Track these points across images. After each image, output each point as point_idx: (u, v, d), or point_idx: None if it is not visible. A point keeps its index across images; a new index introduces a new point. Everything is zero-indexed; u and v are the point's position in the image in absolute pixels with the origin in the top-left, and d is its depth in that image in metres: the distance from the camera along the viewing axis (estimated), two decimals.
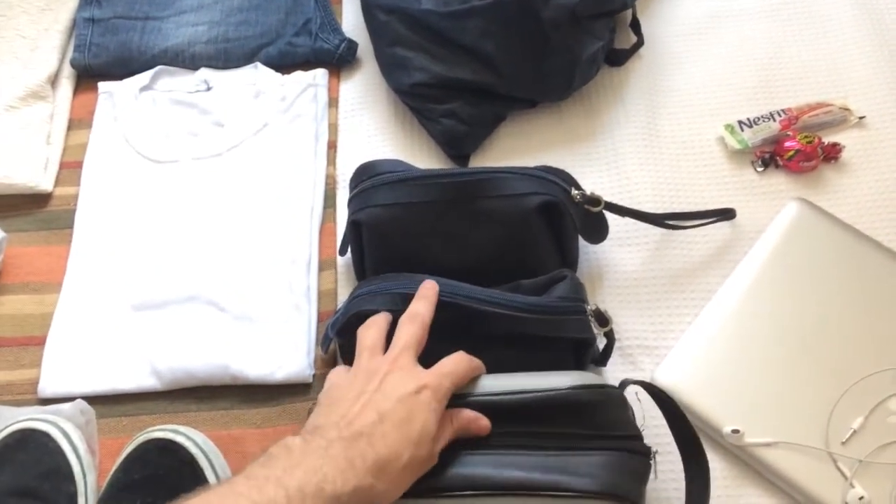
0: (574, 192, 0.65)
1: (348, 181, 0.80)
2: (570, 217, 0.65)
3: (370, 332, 0.60)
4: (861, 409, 0.64)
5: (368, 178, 0.67)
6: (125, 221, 0.78)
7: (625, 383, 0.60)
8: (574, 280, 0.64)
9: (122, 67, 0.86)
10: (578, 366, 0.64)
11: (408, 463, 0.51)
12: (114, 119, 0.83)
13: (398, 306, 0.61)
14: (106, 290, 0.75)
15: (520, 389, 0.57)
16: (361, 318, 0.62)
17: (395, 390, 0.54)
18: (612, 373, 0.68)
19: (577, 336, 0.62)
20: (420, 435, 0.52)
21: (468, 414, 0.56)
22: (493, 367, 0.60)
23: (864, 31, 0.85)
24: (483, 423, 0.56)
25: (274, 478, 0.47)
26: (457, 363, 0.57)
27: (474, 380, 0.59)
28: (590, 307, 0.63)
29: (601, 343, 0.65)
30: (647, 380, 0.66)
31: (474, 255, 0.65)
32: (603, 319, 0.63)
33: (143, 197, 0.79)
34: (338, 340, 0.67)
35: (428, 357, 0.58)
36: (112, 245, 0.77)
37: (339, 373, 0.60)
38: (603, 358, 0.66)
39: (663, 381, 0.66)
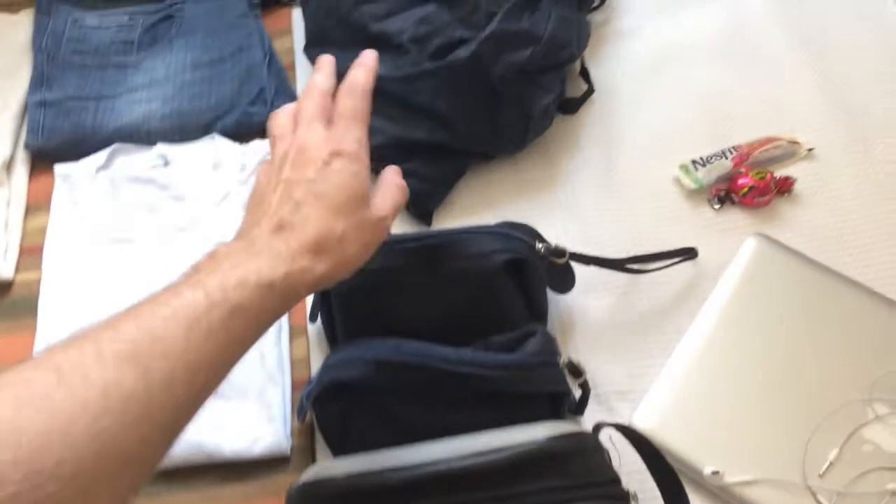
0: (538, 245, 0.66)
1: None
2: (536, 271, 0.65)
3: (277, 117, 0.55)
4: (836, 440, 0.64)
5: None
6: (91, 305, 0.77)
7: (598, 427, 0.60)
8: (545, 334, 0.65)
9: (78, 148, 0.86)
10: (555, 418, 0.64)
11: (344, 233, 0.48)
12: (72, 201, 0.82)
13: (372, 372, 0.61)
14: None
15: (496, 447, 0.56)
16: (337, 387, 0.62)
17: (306, 169, 0.50)
18: (590, 422, 0.67)
19: (551, 390, 0.63)
20: (345, 201, 0.49)
21: (388, 174, 0.54)
22: (469, 426, 0.59)
23: (803, 65, 0.88)
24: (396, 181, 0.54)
25: (193, 281, 0.44)
26: (349, 105, 0.53)
27: (449, 441, 0.58)
28: (562, 360, 0.63)
29: (577, 394, 0.65)
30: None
31: (444, 315, 0.65)
32: (576, 371, 0.63)
33: (107, 278, 0.78)
34: (313, 411, 0.66)
35: (396, 422, 0.58)
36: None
37: (262, 169, 0.55)
38: (579, 408, 0.66)
39: (640, 425, 0.67)
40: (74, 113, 0.87)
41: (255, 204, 0.52)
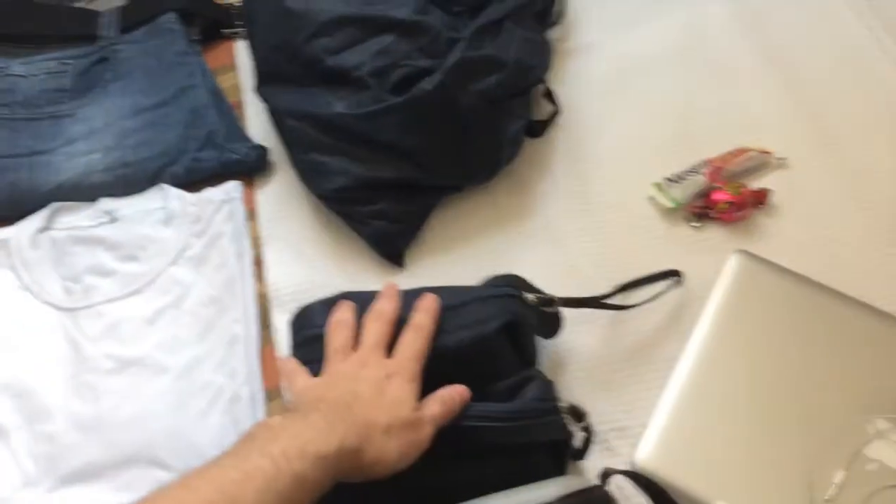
0: (528, 296, 0.63)
1: (281, 296, 0.77)
2: (528, 325, 0.63)
3: (339, 334, 0.60)
4: (840, 461, 0.63)
5: (310, 327, 0.63)
6: (40, 381, 0.70)
7: (606, 474, 0.58)
8: (543, 379, 0.62)
9: (14, 210, 0.79)
10: (558, 466, 0.62)
11: (389, 426, 0.52)
12: (11, 269, 0.76)
13: None
14: (30, 462, 0.67)
15: None
16: None
17: (367, 378, 0.55)
18: (590, 462, 0.66)
19: (554, 438, 0.60)
20: (393, 401, 0.54)
21: (446, 389, 0.57)
22: (470, 483, 0.57)
23: (765, 73, 0.87)
24: (461, 389, 0.58)
25: (257, 448, 0.46)
26: (413, 342, 0.58)
27: None
28: (563, 405, 0.61)
29: (579, 436, 0.63)
30: (626, 464, 0.65)
31: (438, 379, 0.62)
32: (578, 414, 0.61)
33: (56, 350, 0.72)
34: None
35: (394, 485, 0.54)
36: (29, 409, 0.69)
37: (304, 379, 0.59)
38: (581, 452, 0.63)
39: (643, 463, 0.64)
40: (8, 171, 0.80)
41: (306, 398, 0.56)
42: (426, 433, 0.54)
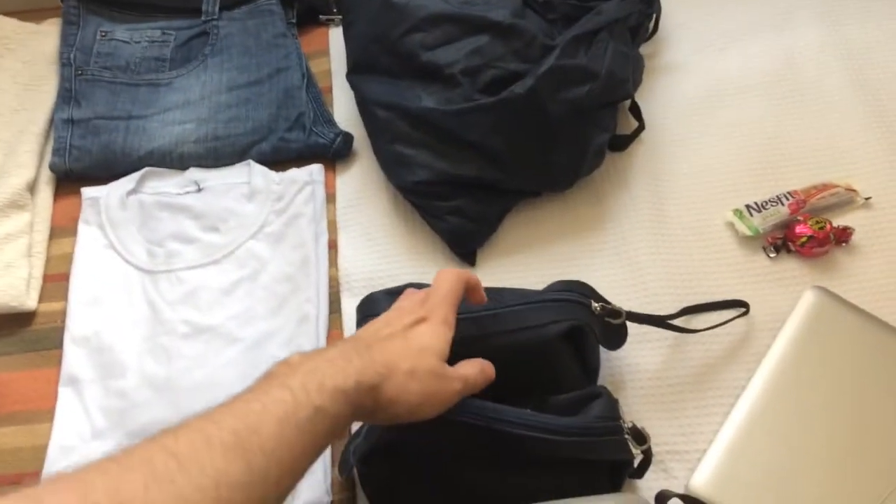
0: (595, 305, 0.63)
1: (351, 282, 0.78)
2: (592, 334, 0.63)
3: (401, 300, 0.60)
4: None
5: (374, 314, 0.64)
6: (117, 338, 0.73)
7: (663, 497, 0.58)
8: (609, 397, 0.62)
9: (106, 170, 0.82)
10: (615, 483, 0.62)
11: (412, 370, 0.51)
12: (99, 227, 0.79)
13: (429, 432, 0.58)
14: (100, 416, 0.70)
15: None
16: (389, 448, 0.59)
17: (398, 319, 0.56)
18: (644, 481, 0.66)
19: (615, 458, 0.60)
20: (420, 349, 0.53)
21: (483, 360, 0.57)
22: (527, 489, 0.57)
23: (860, 109, 0.85)
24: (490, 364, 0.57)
25: (276, 383, 0.47)
26: (449, 283, 0.58)
27: None
28: (626, 425, 0.61)
29: (638, 459, 0.63)
30: (681, 487, 0.65)
31: (497, 381, 0.62)
32: (640, 437, 0.61)
33: (135, 310, 0.75)
34: (359, 468, 0.63)
35: (450, 488, 0.56)
36: (105, 364, 0.72)
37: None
38: (639, 472, 0.63)
39: (698, 489, 0.64)
40: (104, 133, 0.83)
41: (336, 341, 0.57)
42: (454, 388, 0.54)
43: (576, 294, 0.64)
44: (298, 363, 0.49)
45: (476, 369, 0.56)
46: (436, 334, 0.55)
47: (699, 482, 0.65)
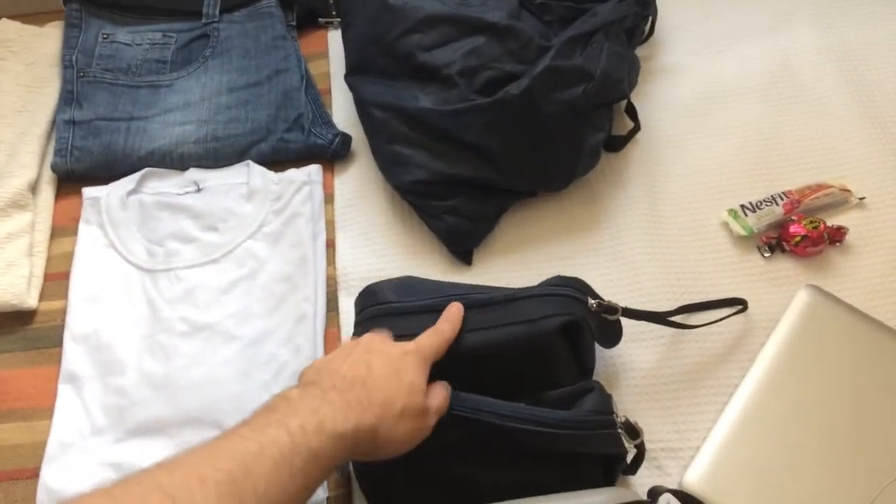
0: (591, 301, 0.64)
1: (349, 281, 0.79)
2: (588, 330, 0.63)
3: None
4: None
5: (373, 305, 0.65)
6: (117, 336, 0.74)
7: (655, 492, 0.58)
8: (602, 392, 0.62)
9: (107, 171, 0.83)
10: (608, 478, 0.62)
11: (403, 410, 0.52)
12: (100, 226, 0.80)
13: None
14: (100, 413, 0.71)
15: None
16: None
17: (380, 349, 0.56)
18: (638, 478, 0.66)
19: (608, 452, 0.60)
20: (410, 386, 0.54)
21: (443, 384, 0.58)
22: (520, 484, 0.58)
23: (855, 110, 0.86)
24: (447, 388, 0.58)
25: (275, 421, 0.47)
26: (429, 336, 0.59)
27: None
28: (619, 420, 0.61)
29: (631, 453, 0.63)
30: (675, 484, 0.65)
31: (491, 371, 0.63)
32: (633, 432, 0.61)
33: (134, 309, 0.75)
34: (355, 463, 0.64)
35: (444, 482, 0.56)
36: (104, 362, 0.73)
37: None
38: (632, 468, 0.64)
39: (692, 486, 0.65)
40: (105, 133, 0.84)
41: (321, 366, 0.56)
42: (430, 424, 0.55)
43: (572, 290, 0.65)
44: (298, 401, 0.49)
45: (442, 396, 0.57)
46: (421, 370, 0.56)
47: (693, 479, 0.65)
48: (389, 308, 0.63)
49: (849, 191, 0.80)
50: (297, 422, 0.46)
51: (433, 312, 0.62)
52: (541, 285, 0.65)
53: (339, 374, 0.53)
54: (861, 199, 0.80)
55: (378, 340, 0.58)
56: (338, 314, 0.77)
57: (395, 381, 0.54)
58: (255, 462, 0.43)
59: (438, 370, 0.61)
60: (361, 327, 0.65)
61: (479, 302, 0.62)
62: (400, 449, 0.54)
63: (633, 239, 0.80)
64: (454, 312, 0.62)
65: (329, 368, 0.55)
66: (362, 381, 0.53)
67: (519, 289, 0.64)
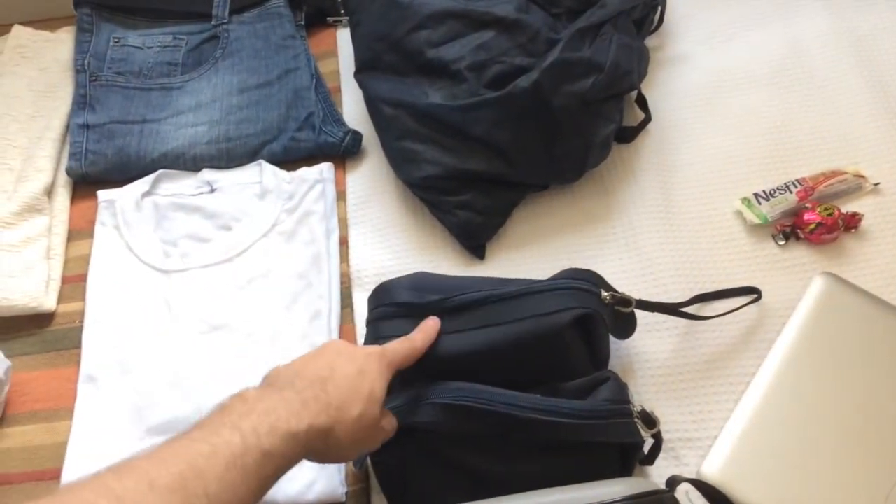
0: (604, 294, 0.64)
1: (362, 278, 0.79)
2: (602, 322, 0.63)
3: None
4: None
5: (387, 304, 0.65)
6: (135, 337, 0.75)
7: (674, 482, 0.58)
8: (618, 381, 0.63)
9: (121, 174, 0.84)
10: (625, 469, 0.62)
11: (360, 416, 0.52)
12: (115, 228, 0.81)
13: (440, 417, 0.59)
14: (119, 413, 0.71)
15: None
16: (401, 436, 0.59)
17: (346, 351, 0.56)
18: (656, 468, 0.66)
19: (624, 441, 0.60)
20: (370, 393, 0.53)
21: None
22: (537, 475, 0.58)
23: (867, 95, 0.85)
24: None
25: (229, 423, 0.46)
26: (398, 343, 0.59)
27: (521, 498, 0.56)
28: (636, 409, 0.61)
29: (648, 443, 0.63)
30: (693, 474, 0.65)
31: (506, 368, 0.63)
32: (650, 421, 0.61)
33: (152, 309, 0.76)
34: (373, 457, 0.64)
35: (460, 472, 0.57)
36: (123, 363, 0.74)
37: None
38: (650, 458, 0.64)
39: (710, 475, 0.64)
40: (118, 136, 0.84)
41: (284, 368, 0.55)
42: (379, 438, 0.56)
43: (585, 282, 0.65)
44: (254, 401, 0.49)
45: (394, 425, 0.58)
46: (382, 377, 0.55)
47: (710, 468, 0.65)
48: (408, 309, 0.64)
49: (863, 177, 0.80)
50: (250, 423, 0.46)
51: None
52: (553, 278, 0.65)
53: (300, 375, 0.53)
54: (875, 184, 0.79)
55: (344, 344, 0.58)
56: (352, 311, 0.77)
57: (355, 384, 0.53)
58: (207, 464, 0.43)
59: (454, 366, 0.61)
60: (372, 326, 0.66)
61: (492, 298, 0.62)
62: (345, 457, 0.54)
63: (646, 230, 0.79)
64: (430, 325, 0.62)
65: (292, 370, 0.55)
66: (322, 381, 0.52)
67: (532, 282, 0.64)
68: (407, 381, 0.64)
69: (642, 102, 0.85)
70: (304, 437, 0.48)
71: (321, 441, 0.50)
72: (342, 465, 0.68)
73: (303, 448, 0.49)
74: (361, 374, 0.54)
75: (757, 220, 0.77)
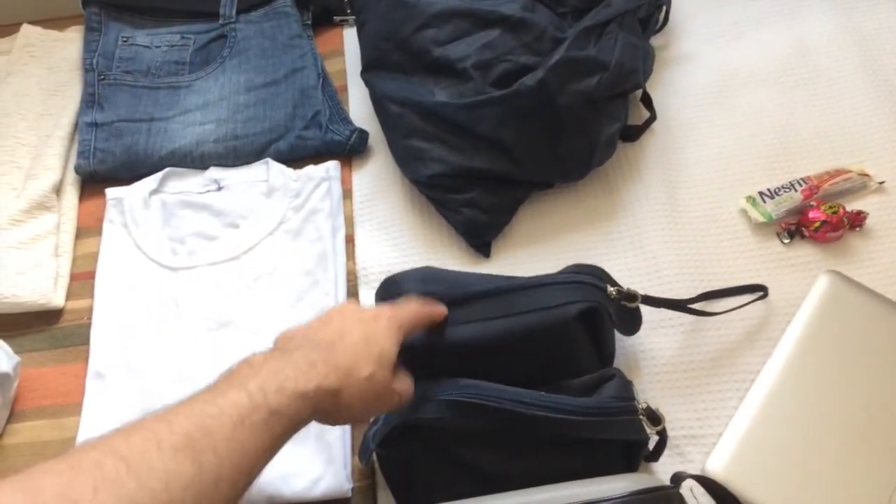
0: (610, 289, 0.64)
1: (368, 275, 0.79)
2: (607, 317, 0.63)
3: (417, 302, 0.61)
4: None
5: (395, 295, 0.65)
6: (143, 334, 0.75)
7: (678, 478, 0.58)
8: (623, 378, 0.63)
9: (129, 172, 0.84)
10: (630, 466, 0.63)
11: (369, 378, 0.52)
12: (123, 226, 0.81)
13: (446, 414, 0.59)
14: (127, 408, 0.72)
15: (576, 502, 0.55)
16: (406, 429, 0.60)
17: (354, 314, 0.56)
18: (660, 465, 0.66)
19: (629, 438, 0.61)
20: (380, 354, 0.53)
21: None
22: (542, 472, 0.58)
23: (872, 94, 0.85)
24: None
25: (236, 383, 0.46)
26: (410, 307, 0.59)
27: (527, 494, 0.57)
28: (641, 406, 0.61)
29: (653, 440, 0.63)
30: (697, 471, 0.65)
31: (511, 363, 0.63)
32: (655, 418, 0.61)
33: (159, 306, 0.77)
34: (379, 452, 0.64)
35: (467, 468, 0.57)
36: (130, 359, 0.74)
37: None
38: (654, 455, 0.64)
39: (715, 472, 0.64)
40: (126, 135, 0.85)
41: (294, 330, 0.56)
42: (392, 402, 0.55)
43: (590, 277, 0.65)
44: (261, 363, 0.49)
45: (410, 387, 0.57)
46: (392, 338, 0.55)
47: (715, 465, 0.65)
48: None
49: (868, 175, 0.80)
50: (257, 383, 0.46)
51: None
52: (559, 273, 0.66)
53: (309, 338, 0.53)
54: (880, 183, 0.80)
55: (353, 307, 0.58)
56: None
57: (364, 346, 0.53)
58: (214, 423, 0.43)
59: (460, 355, 0.61)
60: None
61: (498, 290, 0.63)
62: (355, 418, 0.54)
63: (652, 228, 0.80)
64: (440, 308, 0.62)
65: (301, 333, 0.55)
66: (331, 343, 0.52)
67: (536, 276, 0.65)
68: (414, 376, 0.64)
69: (647, 101, 0.85)
70: (313, 397, 0.48)
71: (330, 402, 0.50)
72: (348, 461, 0.68)
73: (311, 409, 0.48)
74: (371, 335, 0.54)
75: (762, 219, 0.77)
